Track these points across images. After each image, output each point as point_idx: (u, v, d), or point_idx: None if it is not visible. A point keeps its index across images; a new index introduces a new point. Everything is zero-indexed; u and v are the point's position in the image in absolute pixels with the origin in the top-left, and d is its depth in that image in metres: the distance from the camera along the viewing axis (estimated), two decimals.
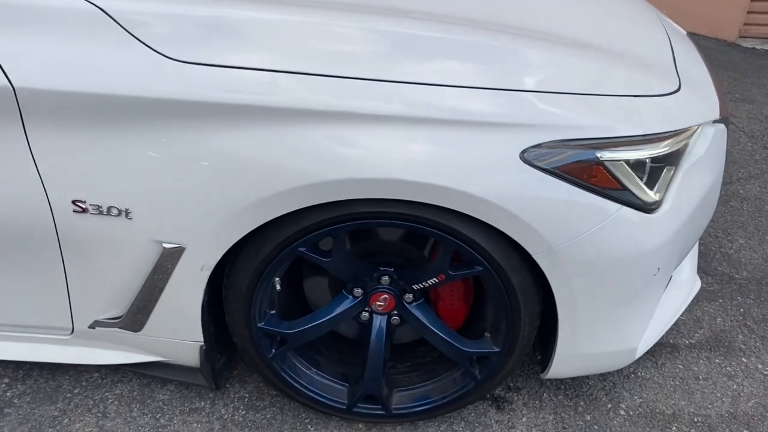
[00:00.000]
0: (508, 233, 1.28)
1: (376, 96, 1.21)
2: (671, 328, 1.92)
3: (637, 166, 1.34)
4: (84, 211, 1.29)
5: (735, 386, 1.76)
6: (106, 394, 1.68)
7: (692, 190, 1.48)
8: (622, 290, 1.39)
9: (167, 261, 1.34)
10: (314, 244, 1.36)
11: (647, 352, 1.83)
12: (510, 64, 1.31)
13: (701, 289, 2.07)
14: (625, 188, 1.32)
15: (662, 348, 1.86)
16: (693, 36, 3.88)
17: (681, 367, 1.81)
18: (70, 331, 1.52)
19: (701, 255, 2.22)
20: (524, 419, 1.65)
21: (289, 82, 1.21)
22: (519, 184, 1.24)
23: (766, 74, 3.60)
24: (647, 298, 1.46)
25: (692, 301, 2.01)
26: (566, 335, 1.43)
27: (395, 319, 1.51)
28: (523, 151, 1.24)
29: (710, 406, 1.70)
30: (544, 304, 1.44)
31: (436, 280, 1.40)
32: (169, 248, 1.32)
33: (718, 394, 1.73)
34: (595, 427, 1.64)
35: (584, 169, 1.28)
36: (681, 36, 1.88)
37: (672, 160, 1.43)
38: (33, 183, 1.27)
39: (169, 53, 1.20)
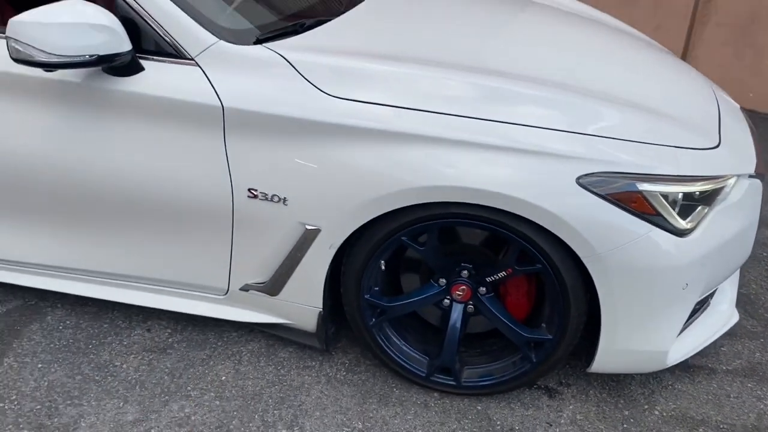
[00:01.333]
0: (563, 239, 1.68)
1: (466, 128, 1.68)
2: (712, 356, 2.21)
3: (674, 199, 1.73)
4: (255, 197, 1.82)
5: (762, 406, 2.02)
6: (241, 348, 2.17)
7: (722, 227, 1.83)
8: (654, 296, 1.75)
9: (307, 239, 1.83)
10: (414, 236, 1.82)
11: (686, 371, 2.13)
12: (577, 115, 1.75)
13: (745, 328, 2.34)
14: (658, 214, 1.70)
15: (701, 369, 2.15)
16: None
17: (715, 386, 2.09)
18: (225, 292, 2.03)
19: (750, 302, 2.49)
20: (571, 407, 1.99)
21: (405, 115, 1.70)
22: (574, 202, 1.66)
23: None
24: (677, 308, 1.81)
25: (734, 335, 2.29)
26: (608, 331, 1.80)
27: (470, 307, 1.93)
28: (579, 177, 1.67)
29: (737, 418, 1.97)
30: (590, 305, 1.81)
31: (505, 274, 1.82)
32: (310, 229, 1.82)
33: (746, 410, 2.00)
34: (631, 420, 1.95)
35: (626, 195, 1.68)
36: (733, 107, 2.25)
37: (706, 200, 1.80)
38: (223, 172, 1.81)
39: (328, 90, 1.73)
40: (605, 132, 1.73)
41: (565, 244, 1.70)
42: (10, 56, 1.66)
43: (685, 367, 2.15)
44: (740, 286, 2.56)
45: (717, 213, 1.82)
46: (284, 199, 1.80)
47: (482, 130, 1.69)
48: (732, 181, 1.86)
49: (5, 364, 2.06)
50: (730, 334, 2.30)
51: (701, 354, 2.18)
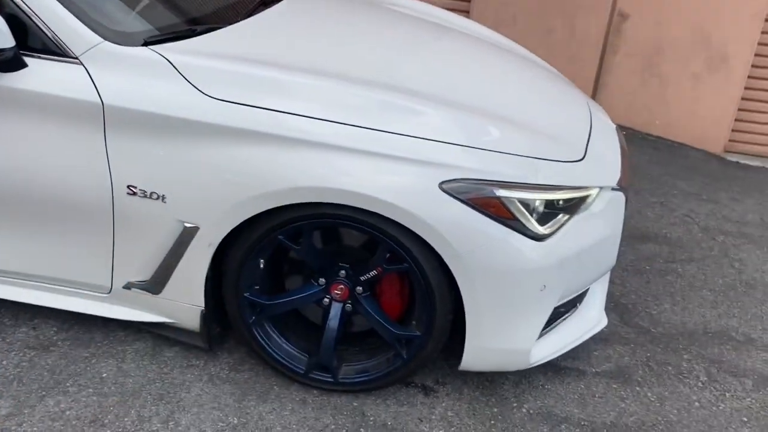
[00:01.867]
0: (426, 239, 1.78)
1: (335, 132, 1.77)
2: (583, 359, 2.33)
3: (532, 205, 1.85)
4: (134, 194, 1.86)
5: (623, 405, 2.15)
6: (127, 347, 2.18)
7: (582, 234, 1.96)
8: (513, 297, 1.86)
9: (186, 237, 1.88)
10: (291, 236, 1.88)
11: (557, 372, 2.25)
12: (446, 126, 1.86)
13: (619, 334, 2.49)
14: (516, 219, 1.82)
15: (571, 371, 2.27)
16: (681, 145, 4.41)
17: (583, 386, 2.22)
18: (109, 290, 2.06)
19: (628, 311, 2.64)
20: (443, 404, 2.08)
21: (277, 117, 1.78)
22: (436, 205, 1.76)
23: (739, 184, 4.06)
24: (536, 309, 1.92)
25: (607, 341, 2.43)
26: (472, 329, 1.90)
27: (348, 306, 2.00)
28: (441, 183, 1.77)
29: (597, 416, 2.10)
30: (458, 304, 1.91)
31: (375, 273, 1.91)
32: (189, 227, 1.87)
33: (607, 409, 2.13)
34: (500, 417, 2.05)
35: (484, 200, 1.79)
36: (608, 126, 2.41)
37: (569, 209, 1.93)
38: (103, 169, 1.85)
39: (208, 92, 1.80)
40: (469, 142, 1.84)
41: (429, 244, 1.80)
42: None
43: (557, 369, 2.27)
44: (620, 296, 2.72)
45: (577, 221, 1.95)
46: (163, 197, 1.85)
47: (351, 135, 1.78)
48: (594, 192, 2.00)
49: None
50: (604, 340, 2.44)
51: (573, 357, 2.31)
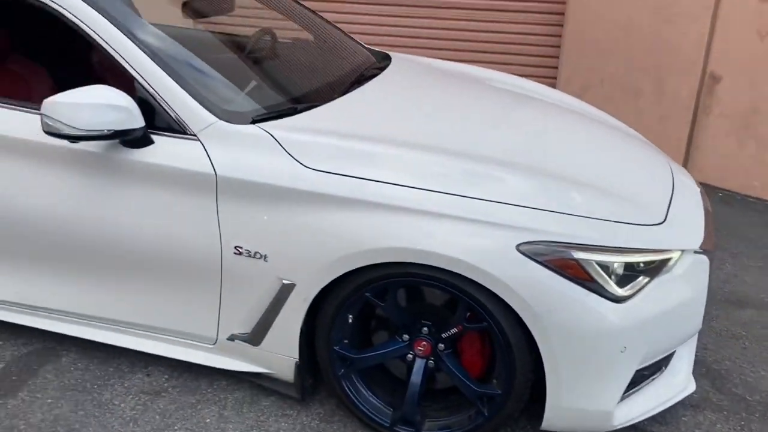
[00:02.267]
0: (504, 299, 1.87)
1: (422, 199, 1.92)
2: (671, 424, 2.29)
3: (611, 267, 1.91)
4: (240, 253, 2.08)
5: None
6: (228, 395, 2.37)
7: (663, 297, 1.99)
8: (593, 357, 1.90)
9: (284, 293, 2.07)
10: (377, 293, 2.03)
11: None
12: (527, 190, 1.97)
13: (711, 401, 2.42)
14: (594, 281, 1.88)
15: None
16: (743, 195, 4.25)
17: None
18: (214, 341, 2.27)
19: (721, 377, 2.57)
20: None
21: (369, 186, 1.95)
22: (514, 266, 1.85)
23: None
24: (617, 370, 1.94)
25: (698, 407, 2.37)
26: (553, 388, 1.94)
27: (431, 362, 2.10)
28: (519, 245, 1.87)
29: None
30: (539, 363, 1.96)
31: (456, 330, 2.01)
32: (287, 284, 2.05)
33: None
34: None
35: (562, 262, 1.87)
36: (691, 188, 2.43)
37: (650, 271, 1.97)
38: (214, 231, 2.08)
39: (307, 164, 2.01)
40: (547, 206, 1.94)
41: (508, 304, 1.88)
42: (42, 129, 2.00)
43: None
44: (713, 362, 2.65)
45: (659, 284, 1.98)
46: (265, 256, 2.05)
47: (434, 201, 1.93)
48: (675, 255, 2.03)
49: (18, 398, 2.32)
50: (694, 406, 2.39)
51: (660, 421, 2.28)
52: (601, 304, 1.88)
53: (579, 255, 1.88)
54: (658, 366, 2.16)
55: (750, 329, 2.89)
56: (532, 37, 5.20)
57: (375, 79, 2.73)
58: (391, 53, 3.25)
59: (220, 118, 2.12)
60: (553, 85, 5.01)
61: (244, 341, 2.20)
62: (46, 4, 2.20)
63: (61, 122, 1.96)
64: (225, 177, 2.05)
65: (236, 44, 2.92)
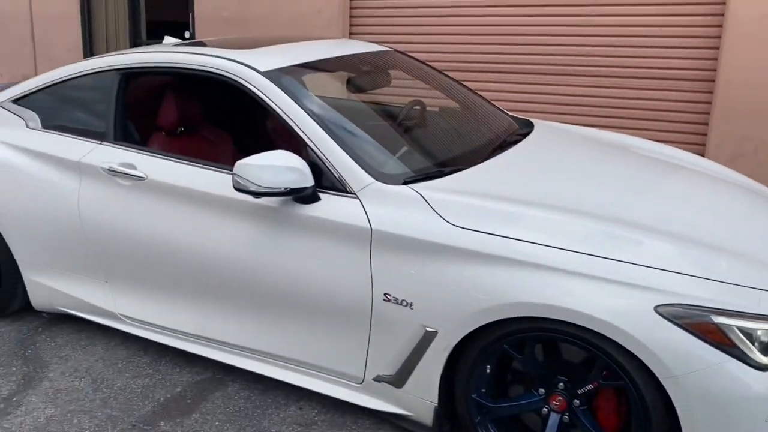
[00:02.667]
0: (641, 358, 1.93)
1: (559, 258, 2.04)
2: None
3: (755, 335, 1.91)
4: (389, 300, 2.30)
5: None
6: None
7: None
8: (734, 425, 1.89)
9: (426, 339, 2.25)
10: (514, 345, 2.15)
11: None
12: (668, 256, 2.03)
13: None
14: (735, 346, 1.89)
15: None
16: None
17: None
18: (361, 381, 2.48)
19: None
20: None
21: (512, 244, 2.12)
22: (651, 327, 1.92)
23: None
24: None
25: None
26: None
27: (566, 418, 2.17)
28: (657, 306, 1.93)
29: None
30: (675, 426, 1.97)
31: (591, 387, 2.07)
32: (429, 331, 2.24)
33: None
34: None
35: (701, 326, 1.90)
36: None
37: None
38: (367, 279, 2.33)
39: (453, 222, 2.22)
40: (687, 270, 1.99)
41: (645, 364, 1.93)
42: (233, 187, 2.38)
43: None
44: None
45: None
46: (411, 304, 2.26)
47: (574, 260, 2.04)
48: None
49: (192, 418, 2.66)
50: None
51: None
52: (743, 371, 1.88)
53: (719, 320, 1.90)
54: None
55: None
56: (680, 104, 5.14)
57: (518, 145, 2.91)
58: (534, 120, 3.43)
59: (377, 180, 2.39)
60: (702, 153, 4.91)
61: (389, 383, 2.39)
62: (242, 85, 2.63)
63: (249, 180, 2.33)
64: (379, 231, 2.30)
65: (390, 114, 3.23)
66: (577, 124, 5.31)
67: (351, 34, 6.53)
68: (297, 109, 2.54)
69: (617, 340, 1.95)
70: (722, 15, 4.79)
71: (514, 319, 2.10)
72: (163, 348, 3.11)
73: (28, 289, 3.27)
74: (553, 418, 2.18)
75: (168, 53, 2.93)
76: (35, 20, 8.32)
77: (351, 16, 6.51)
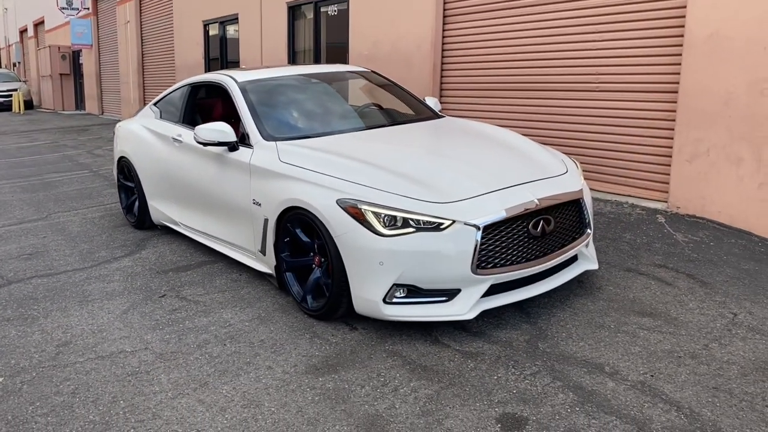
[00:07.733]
0: (327, 227, 3.55)
1: (317, 179, 3.80)
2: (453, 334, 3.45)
3: (383, 216, 3.42)
4: (255, 204, 4.20)
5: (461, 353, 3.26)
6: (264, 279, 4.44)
7: (421, 243, 3.38)
8: (365, 264, 3.40)
9: (266, 223, 4.09)
10: (294, 222, 3.90)
11: (428, 332, 3.46)
12: (355, 176, 3.65)
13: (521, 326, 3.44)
14: (366, 220, 3.41)
15: (443, 335, 3.44)
16: None
17: (433, 335, 3.38)
18: (254, 253, 4.39)
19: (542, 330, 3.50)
20: (353, 341, 3.61)
21: (305, 173, 3.91)
22: (330, 208, 3.55)
23: None
24: (378, 276, 3.38)
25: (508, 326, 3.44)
26: (351, 283, 3.48)
27: (320, 268, 3.83)
28: (337, 200, 3.55)
29: (421, 352, 3.28)
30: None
31: (317, 245, 3.73)
32: (265, 219, 4.08)
33: (443, 357, 3.28)
34: (364, 345, 3.47)
35: (351, 209, 3.47)
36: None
37: (420, 227, 3.41)
38: (248, 193, 4.27)
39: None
40: (365, 182, 3.55)
41: (328, 229, 3.55)
42: (194, 140, 4.51)
43: (434, 330, 3.47)
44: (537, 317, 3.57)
45: (421, 235, 3.36)
46: (260, 204, 4.11)
47: (319, 179, 3.73)
48: (447, 223, 3.37)
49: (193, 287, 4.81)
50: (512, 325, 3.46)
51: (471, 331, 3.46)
52: (370, 236, 3.39)
53: (363, 207, 3.44)
54: (442, 294, 3.41)
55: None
56: (647, 112, 5.95)
57: (392, 127, 4.60)
58: (447, 117, 5.00)
59: (264, 139, 4.31)
60: (670, 155, 5.65)
61: (261, 252, 4.25)
62: (227, 89, 4.81)
63: (198, 136, 4.44)
64: (253, 165, 4.20)
65: (306, 106, 5.02)
66: (553, 136, 6.62)
67: (443, 64, 8.31)
68: (243, 101, 4.59)
69: (320, 217, 3.59)
70: (682, 36, 5.56)
71: (291, 207, 3.83)
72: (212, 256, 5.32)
73: (150, 211, 5.77)
74: (316, 270, 3.84)
75: (205, 74, 5.24)
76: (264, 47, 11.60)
77: (443, 49, 8.30)
